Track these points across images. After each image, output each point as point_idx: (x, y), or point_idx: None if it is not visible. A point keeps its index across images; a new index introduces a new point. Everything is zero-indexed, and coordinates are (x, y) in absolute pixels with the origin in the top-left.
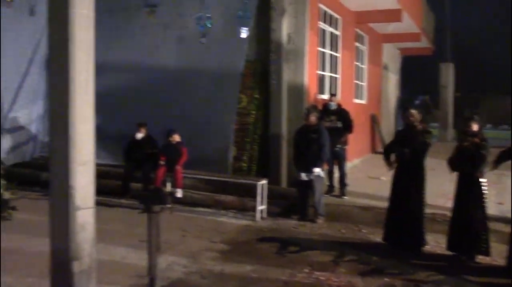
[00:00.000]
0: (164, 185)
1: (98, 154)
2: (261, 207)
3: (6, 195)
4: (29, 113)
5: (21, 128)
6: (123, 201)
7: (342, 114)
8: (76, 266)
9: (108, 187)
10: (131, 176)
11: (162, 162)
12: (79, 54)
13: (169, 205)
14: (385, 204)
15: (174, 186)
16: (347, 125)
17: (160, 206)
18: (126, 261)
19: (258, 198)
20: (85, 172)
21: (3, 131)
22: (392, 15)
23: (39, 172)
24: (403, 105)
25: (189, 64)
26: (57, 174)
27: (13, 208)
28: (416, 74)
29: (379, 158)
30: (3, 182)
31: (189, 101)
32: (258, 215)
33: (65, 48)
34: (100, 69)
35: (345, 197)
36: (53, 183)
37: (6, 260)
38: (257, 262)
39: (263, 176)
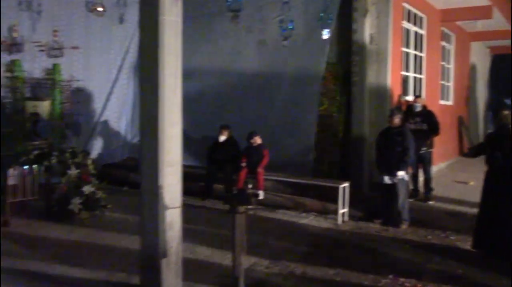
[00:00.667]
0: (246, 187)
1: (182, 156)
2: (342, 210)
3: (98, 194)
4: (119, 117)
5: (111, 131)
6: (206, 202)
7: (427, 116)
8: (164, 263)
9: (192, 189)
10: (213, 177)
11: (243, 164)
12: (168, 59)
13: (252, 206)
14: (473, 210)
15: (256, 188)
16: (433, 127)
17: (244, 207)
18: (210, 260)
19: (340, 201)
20: (173, 173)
21: (96, 134)
22: (482, 12)
23: (128, 173)
24: (493, 106)
25: (270, 68)
26: (147, 174)
27: (105, 207)
28: (508, 73)
29: (467, 162)
30: (95, 181)
31: (270, 104)
32: (339, 219)
33: (155, 54)
34: (184, 74)
35: (430, 202)
36: (144, 183)
37: (99, 256)
38: (340, 265)
39: (344, 179)
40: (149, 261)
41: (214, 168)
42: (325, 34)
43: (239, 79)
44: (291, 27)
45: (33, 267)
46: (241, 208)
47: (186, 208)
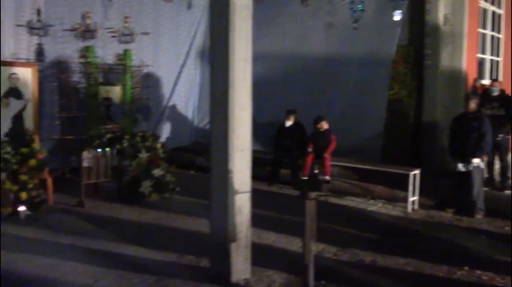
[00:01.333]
0: (313, 173)
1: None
2: (413, 198)
3: (168, 177)
4: (186, 101)
5: (179, 115)
6: (272, 187)
7: (505, 101)
8: (233, 247)
9: (258, 173)
10: (280, 163)
11: (310, 149)
12: (238, 43)
13: (323, 193)
14: None
15: (322, 173)
16: (511, 113)
17: (315, 193)
18: (277, 245)
19: (410, 189)
20: (243, 157)
21: (164, 119)
22: None
23: (195, 157)
24: None
25: (337, 51)
26: (217, 159)
27: (173, 190)
28: None
29: None
30: (164, 165)
31: (338, 89)
32: (409, 207)
33: (226, 37)
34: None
35: (506, 191)
36: (213, 168)
37: (169, 238)
38: (411, 255)
39: (415, 166)
40: (219, 245)
41: (281, 153)
42: (397, 15)
43: (305, 63)
44: (361, 8)
45: (106, 247)
46: (312, 194)
47: (253, 193)
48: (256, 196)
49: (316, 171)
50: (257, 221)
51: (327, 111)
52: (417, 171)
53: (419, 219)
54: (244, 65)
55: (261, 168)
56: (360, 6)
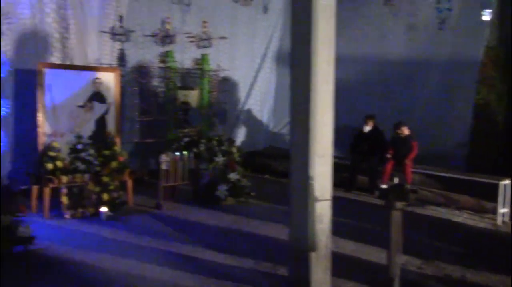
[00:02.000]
0: (392, 180)
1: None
2: (503, 210)
3: (243, 181)
4: (261, 106)
5: (254, 120)
6: (349, 194)
7: None
8: (313, 257)
9: (334, 180)
10: (357, 169)
11: (389, 156)
12: (321, 45)
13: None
14: None
15: (403, 181)
16: None
17: (402, 203)
18: (356, 255)
19: (500, 200)
20: (324, 163)
21: (240, 123)
22: None
23: (269, 161)
24: None
25: (419, 53)
26: (297, 164)
27: (249, 194)
28: None
29: None
30: (240, 169)
31: (419, 93)
32: (499, 219)
33: (308, 39)
34: None
35: None
36: (293, 174)
37: (245, 243)
38: (504, 272)
39: (504, 175)
40: (298, 253)
41: (358, 159)
42: (486, 15)
43: (384, 65)
44: (448, 7)
45: (183, 250)
46: (398, 204)
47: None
48: (333, 203)
49: (396, 179)
50: (335, 229)
51: (408, 116)
52: (507, 181)
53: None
54: (326, 67)
55: (337, 174)
56: (447, 5)
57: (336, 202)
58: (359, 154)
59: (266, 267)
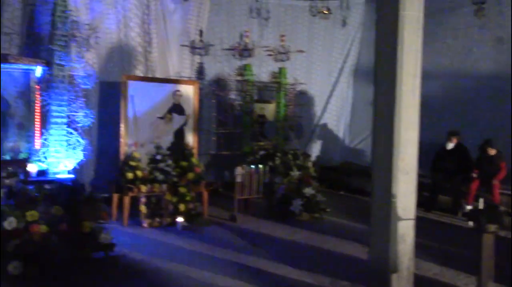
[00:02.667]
0: (477, 201)
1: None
2: None
3: (318, 196)
4: (338, 120)
5: (330, 134)
6: (429, 213)
7: None
8: (394, 278)
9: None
10: (439, 188)
11: (475, 175)
12: (407, 57)
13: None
14: None
15: (489, 202)
16: None
17: (494, 227)
18: (440, 279)
19: None
20: (408, 181)
21: (315, 137)
22: None
23: (345, 177)
24: None
25: (508, 67)
26: (379, 181)
27: (324, 210)
28: None
29: None
30: (315, 184)
31: (508, 110)
32: None
33: (393, 51)
34: None
35: None
36: (375, 191)
37: (320, 260)
38: None
39: None
40: (378, 274)
41: (440, 178)
42: None
43: (470, 80)
44: None
45: (257, 264)
46: (491, 227)
47: None
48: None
49: (481, 199)
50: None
51: (496, 134)
52: None
53: None
54: (413, 81)
55: (417, 192)
56: None
57: (417, 222)
58: (441, 172)
59: (342, 286)
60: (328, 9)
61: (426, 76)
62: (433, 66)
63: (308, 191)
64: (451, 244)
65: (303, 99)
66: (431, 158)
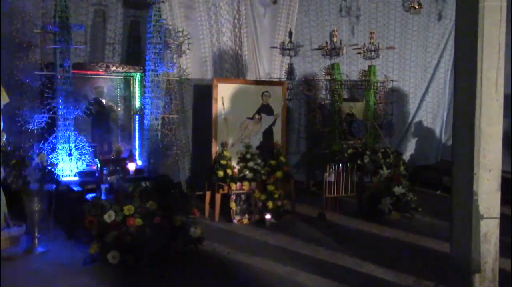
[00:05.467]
0: None
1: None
2: None
3: (409, 196)
4: (433, 117)
5: (425, 132)
6: None
7: None
8: (477, 280)
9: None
10: None
11: None
12: (487, 50)
13: None
14: None
15: None
16: None
17: None
18: None
19: None
20: (491, 178)
21: (409, 135)
22: None
23: (442, 176)
24: None
25: None
26: (460, 179)
27: (415, 209)
28: None
29: None
30: (406, 183)
31: None
32: None
33: (473, 44)
34: None
35: None
36: (455, 189)
37: (407, 260)
38: None
39: None
40: (460, 274)
41: None
42: None
43: None
44: None
45: (343, 261)
46: None
47: None
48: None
49: None
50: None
51: None
52: None
53: None
54: (495, 74)
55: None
56: None
57: (501, 221)
58: None
59: (426, 286)
60: (419, 4)
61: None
62: None
63: (398, 190)
64: None
65: (396, 97)
66: None
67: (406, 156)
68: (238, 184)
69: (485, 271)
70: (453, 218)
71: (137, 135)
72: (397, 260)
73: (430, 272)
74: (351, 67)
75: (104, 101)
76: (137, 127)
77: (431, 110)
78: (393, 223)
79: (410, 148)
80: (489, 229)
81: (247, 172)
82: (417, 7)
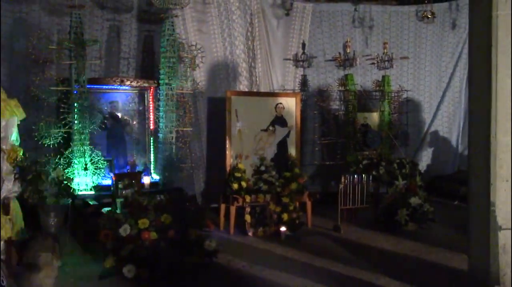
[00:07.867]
0: None
1: None
2: None
3: (426, 206)
4: (450, 127)
5: (441, 142)
6: None
7: None
8: None
9: None
10: None
11: None
12: (501, 59)
13: None
14: None
15: None
16: None
17: None
18: None
19: None
20: (508, 189)
21: (425, 145)
22: None
23: (459, 186)
24: None
25: None
26: (476, 189)
27: (432, 220)
28: None
29: None
30: (422, 193)
31: None
32: None
33: (487, 53)
34: None
35: None
36: (472, 199)
37: (423, 272)
38: None
39: None
40: (479, 286)
41: None
42: None
43: None
44: None
45: (357, 274)
46: None
47: None
48: None
49: None
50: None
51: None
52: None
53: None
54: (508, 83)
55: None
56: None
57: None
58: None
59: None
60: (432, 13)
61: None
62: None
63: (414, 200)
64: None
65: (411, 107)
66: None
67: (422, 166)
68: (253, 196)
69: (504, 284)
70: (470, 229)
71: (152, 148)
72: (414, 273)
73: (446, 285)
74: (365, 78)
75: (119, 115)
76: (151, 140)
77: (447, 120)
78: (409, 234)
79: (426, 158)
80: (507, 240)
81: (261, 184)
82: (430, 16)
